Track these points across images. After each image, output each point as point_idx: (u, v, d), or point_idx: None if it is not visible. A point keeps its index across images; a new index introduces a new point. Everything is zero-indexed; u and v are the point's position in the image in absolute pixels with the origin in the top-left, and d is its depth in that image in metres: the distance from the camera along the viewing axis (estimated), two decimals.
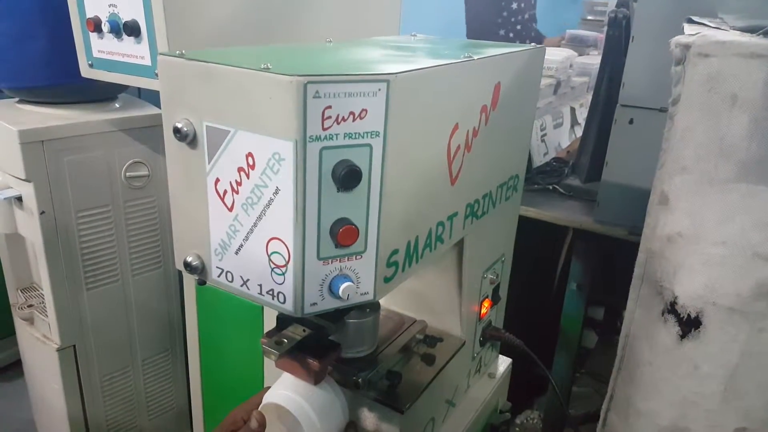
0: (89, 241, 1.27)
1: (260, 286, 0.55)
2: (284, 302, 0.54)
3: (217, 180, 0.54)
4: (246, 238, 0.54)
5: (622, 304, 2.05)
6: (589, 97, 1.68)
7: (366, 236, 0.54)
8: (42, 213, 1.20)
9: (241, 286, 0.56)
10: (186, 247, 0.60)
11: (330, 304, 0.55)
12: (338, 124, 0.49)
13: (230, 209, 0.54)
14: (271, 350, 0.62)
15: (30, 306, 1.33)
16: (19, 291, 1.37)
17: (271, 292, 0.54)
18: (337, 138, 0.50)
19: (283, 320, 0.67)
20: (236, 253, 0.56)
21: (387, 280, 0.59)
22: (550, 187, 1.59)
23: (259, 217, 0.53)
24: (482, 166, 0.74)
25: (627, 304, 0.83)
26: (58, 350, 1.26)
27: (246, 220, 0.54)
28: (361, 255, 0.55)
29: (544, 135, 1.69)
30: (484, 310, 0.87)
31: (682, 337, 0.69)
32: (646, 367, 0.75)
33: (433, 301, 0.83)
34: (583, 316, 1.50)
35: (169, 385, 1.50)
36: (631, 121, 1.33)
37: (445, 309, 0.83)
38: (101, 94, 1.35)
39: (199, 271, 0.59)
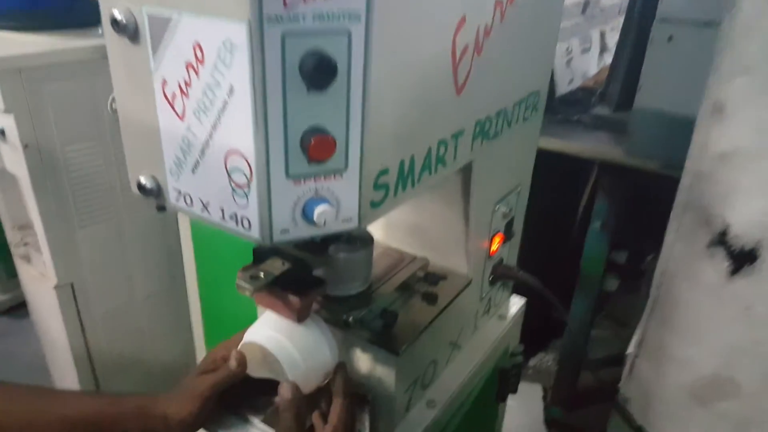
0: (78, 176, 1.20)
1: (222, 210, 0.46)
2: (250, 228, 0.45)
3: (164, 81, 0.45)
4: (202, 153, 0.45)
5: (648, 247, 1.94)
6: (621, 21, 1.50)
7: (346, 150, 0.45)
8: (26, 147, 1.13)
9: (202, 210, 0.48)
10: (139, 166, 0.51)
11: (305, 231, 0.46)
12: (305, 2, 0.39)
13: (181, 117, 0.45)
14: (245, 285, 0.54)
15: (26, 244, 1.28)
16: (16, 229, 1.33)
17: (234, 217, 0.46)
18: (304, 20, 0.39)
19: (260, 253, 0.59)
20: (193, 171, 0.47)
21: (375, 205, 0.50)
22: (575, 118, 1.45)
23: (214, 126, 0.43)
24: (496, 74, 0.62)
25: (665, 238, 0.72)
26: (55, 288, 1.22)
27: (200, 131, 0.44)
28: (341, 173, 0.46)
29: (570, 60, 1.54)
30: (494, 247, 0.78)
31: (733, 273, 0.58)
32: (686, 308, 0.65)
33: (437, 236, 0.74)
34: (606, 257, 1.41)
35: (172, 321, 1.47)
36: (670, 39, 1.18)
37: (449, 245, 0.74)
38: (84, 19, 1.25)
39: (156, 194, 0.51)
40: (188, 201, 0.49)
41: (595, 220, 1.36)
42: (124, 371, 1.40)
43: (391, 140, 0.49)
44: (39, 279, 1.25)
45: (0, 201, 1.34)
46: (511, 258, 0.86)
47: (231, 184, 0.44)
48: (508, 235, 0.80)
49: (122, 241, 1.32)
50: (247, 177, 0.43)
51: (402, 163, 0.51)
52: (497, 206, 0.75)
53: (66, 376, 1.35)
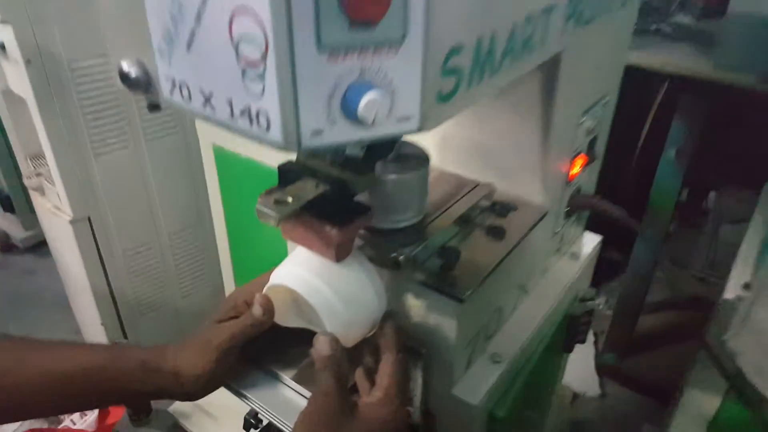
0: (89, 97, 1.09)
1: (230, 102, 0.33)
2: (268, 129, 0.32)
3: None
4: (198, 18, 0.31)
5: (717, 182, 1.72)
6: None
7: (405, 9, 0.30)
8: (28, 62, 1.01)
9: (204, 105, 0.35)
10: (120, 47, 0.38)
11: (346, 133, 0.33)
12: None
13: None
14: (268, 212, 0.42)
15: (39, 175, 1.19)
16: (28, 159, 1.24)
17: (246, 113, 0.32)
18: None
19: (288, 172, 0.46)
20: (188, 47, 0.33)
21: (443, 98, 0.35)
22: (653, 28, 1.24)
23: None
24: None
25: None
26: (71, 222, 1.14)
27: None
28: (396, 46, 0.31)
29: None
30: (575, 170, 0.63)
31: None
32: None
33: (505, 156, 0.60)
34: (680, 190, 1.23)
35: (200, 262, 1.39)
36: None
37: (522, 167, 0.59)
38: None
39: (144, 86, 0.38)
40: (185, 93, 0.35)
41: (669, 147, 1.18)
42: (149, 313, 1.34)
43: (466, 9, 0.34)
44: (54, 213, 1.17)
45: (10, 128, 1.24)
46: (590, 186, 0.71)
47: (240, 63, 0.31)
48: (591, 156, 0.65)
49: (142, 172, 1.21)
50: (261, 49, 0.29)
51: (479, 41, 0.37)
52: (583, 118, 0.60)
53: (88, 316, 1.29)
